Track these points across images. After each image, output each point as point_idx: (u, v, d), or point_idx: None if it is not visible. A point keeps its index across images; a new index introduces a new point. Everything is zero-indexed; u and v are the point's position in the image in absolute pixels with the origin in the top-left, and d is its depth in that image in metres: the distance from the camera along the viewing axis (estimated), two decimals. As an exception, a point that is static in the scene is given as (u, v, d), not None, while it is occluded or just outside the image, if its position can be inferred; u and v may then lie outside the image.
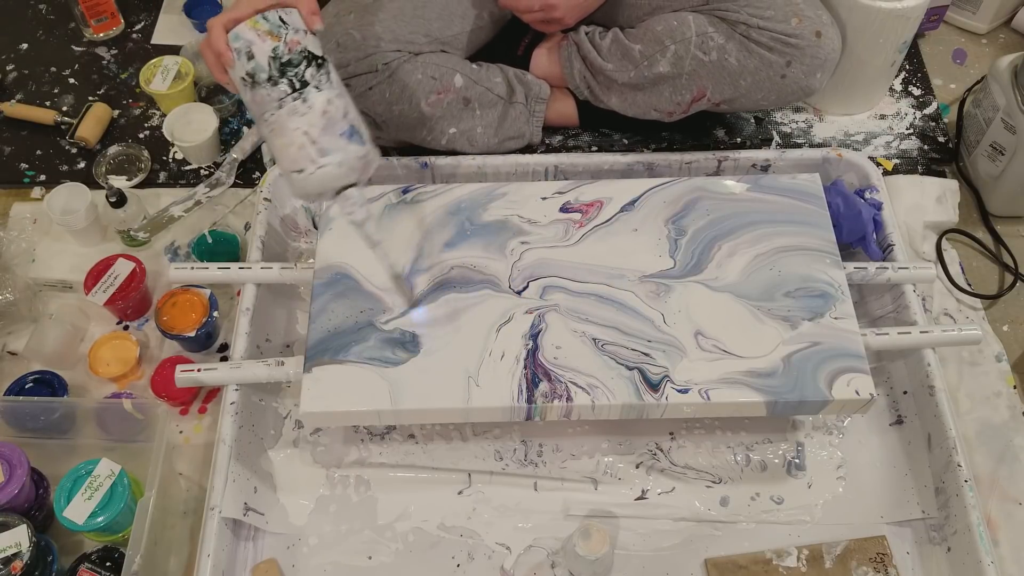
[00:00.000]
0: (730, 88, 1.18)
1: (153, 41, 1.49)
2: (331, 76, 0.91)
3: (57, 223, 1.21)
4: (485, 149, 1.25)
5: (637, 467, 1.06)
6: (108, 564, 0.96)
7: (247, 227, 1.25)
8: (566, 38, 1.27)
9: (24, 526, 0.91)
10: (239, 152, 1.31)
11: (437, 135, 1.21)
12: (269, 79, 0.88)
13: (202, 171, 1.32)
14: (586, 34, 1.25)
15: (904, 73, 1.44)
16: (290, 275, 1.10)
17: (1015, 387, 1.14)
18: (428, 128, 1.20)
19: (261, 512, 1.01)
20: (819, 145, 1.35)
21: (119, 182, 1.30)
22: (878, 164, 1.31)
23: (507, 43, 1.30)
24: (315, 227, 1.24)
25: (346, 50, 1.13)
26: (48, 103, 1.40)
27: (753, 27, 1.14)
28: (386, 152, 1.30)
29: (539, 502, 1.04)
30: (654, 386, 0.96)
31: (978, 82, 1.41)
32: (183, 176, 1.32)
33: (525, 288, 1.03)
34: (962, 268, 1.25)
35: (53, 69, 1.45)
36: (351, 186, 0.91)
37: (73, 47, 1.48)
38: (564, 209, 1.09)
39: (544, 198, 1.10)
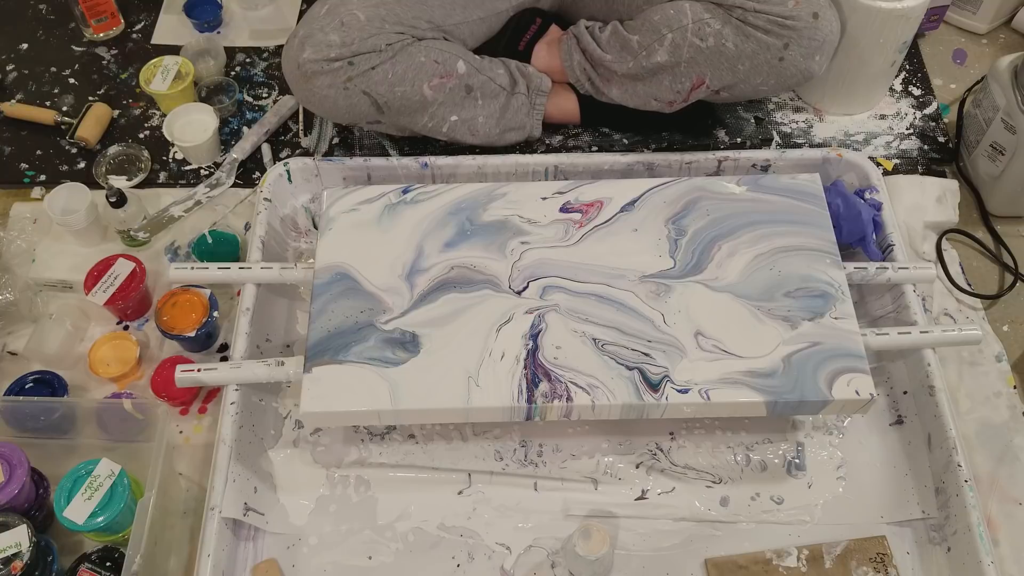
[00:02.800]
0: (729, 74, 1.18)
1: (153, 41, 1.49)
2: None
3: (57, 223, 1.21)
4: (486, 139, 1.25)
5: (637, 467, 1.06)
6: (108, 564, 0.96)
7: (247, 227, 1.25)
8: (566, 32, 1.27)
9: (24, 526, 0.91)
10: (239, 152, 1.31)
11: (439, 122, 1.21)
12: None
13: (202, 171, 1.32)
14: (586, 28, 1.25)
15: (904, 73, 1.44)
16: (290, 275, 1.10)
17: (1015, 387, 1.14)
18: (430, 114, 1.20)
19: (261, 512, 1.01)
20: (819, 145, 1.35)
21: (119, 182, 1.30)
22: (878, 164, 1.31)
23: (508, 39, 1.30)
24: (315, 227, 1.24)
25: (350, 29, 1.14)
26: (48, 103, 1.40)
27: (749, 10, 1.14)
28: (386, 152, 1.30)
29: (539, 502, 1.04)
30: (654, 386, 0.96)
31: (978, 82, 1.41)
32: (183, 176, 1.32)
33: (525, 288, 1.03)
34: (962, 268, 1.24)
35: (53, 69, 1.45)
36: None
37: (73, 47, 1.48)
38: (564, 209, 1.09)
39: (544, 198, 1.10)
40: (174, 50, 1.42)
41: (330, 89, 1.15)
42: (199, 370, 1.01)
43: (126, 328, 1.18)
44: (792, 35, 1.15)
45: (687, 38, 1.16)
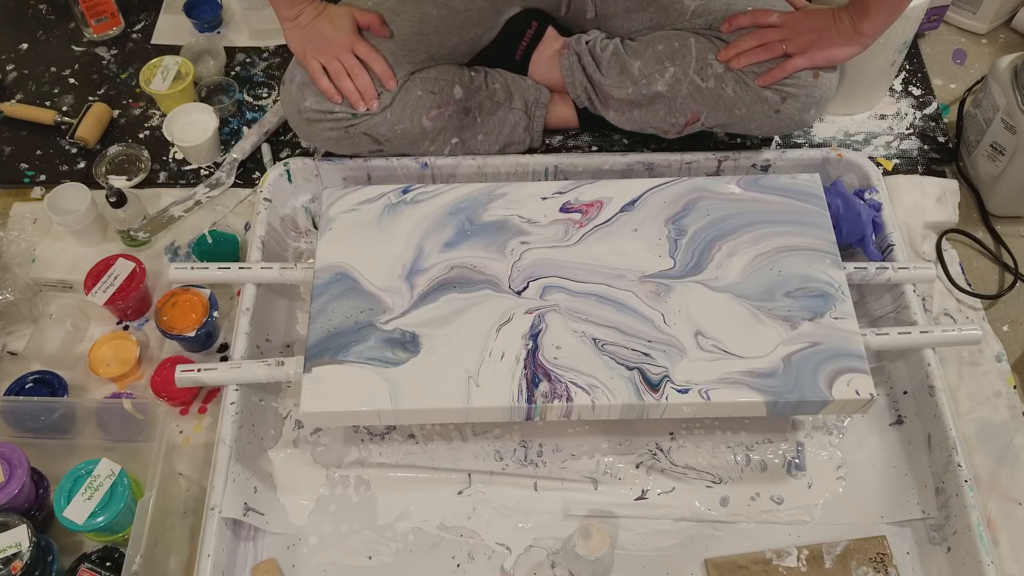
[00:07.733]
0: (724, 115, 1.18)
1: (153, 41, 1.49)
2: None
3: (57, 223, 1.20)
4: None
5: (637, 467, 1.06)
6: (108, 564, 0.96)
7: (247, 227, 1.25)
8: (567, 46, 1.26)
9: (24, 526, 0.91)
10: (239, 152, 1.31)
11: (440, 146, 1.22)
12: None
13: (202, 171, 1.32)
14: (587, 43, 1.24)
15: (904, 73, 1.44)
16: (290, 275, 1.10)
17: (1015, 387, 1.14)
18: (431, 140, 1.21)
19: (261, 512, 1.01)
20: (819, 145, 1.35)
21: (119, 182, 1.30)
22: (878, 164, 1.31)
23: (504, 47, 1.29)
24: (315, 227, 1.24)
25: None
26: (48, 103, 1.40)
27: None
28: (386, 152, 1.30)
29: (539, 502, 1.04)
30: (654, 386, 0.96)
31: (978, 82, 1.41)
32: (183, 176, 1.32)
33: (525, 288, 1.03)
34: (962, 268, 1.25)
35: (53, 69, 1.45)
36: None
37: (73, 47, 1.48)
38: (564, 209, 1.09)
39: (544, 198, 1.10)
40: (174, 50, 1.42)
41: (332, 132, 1.16)
42: (199, 370, 1.01)
43: (126, 328, 1.18)
44: (791, 91, 1.15)
45: (688, 75, 1.16)
